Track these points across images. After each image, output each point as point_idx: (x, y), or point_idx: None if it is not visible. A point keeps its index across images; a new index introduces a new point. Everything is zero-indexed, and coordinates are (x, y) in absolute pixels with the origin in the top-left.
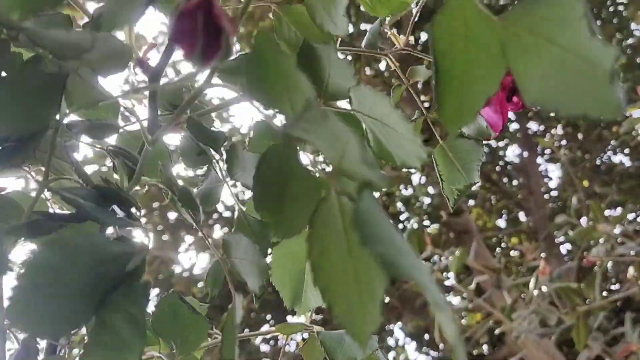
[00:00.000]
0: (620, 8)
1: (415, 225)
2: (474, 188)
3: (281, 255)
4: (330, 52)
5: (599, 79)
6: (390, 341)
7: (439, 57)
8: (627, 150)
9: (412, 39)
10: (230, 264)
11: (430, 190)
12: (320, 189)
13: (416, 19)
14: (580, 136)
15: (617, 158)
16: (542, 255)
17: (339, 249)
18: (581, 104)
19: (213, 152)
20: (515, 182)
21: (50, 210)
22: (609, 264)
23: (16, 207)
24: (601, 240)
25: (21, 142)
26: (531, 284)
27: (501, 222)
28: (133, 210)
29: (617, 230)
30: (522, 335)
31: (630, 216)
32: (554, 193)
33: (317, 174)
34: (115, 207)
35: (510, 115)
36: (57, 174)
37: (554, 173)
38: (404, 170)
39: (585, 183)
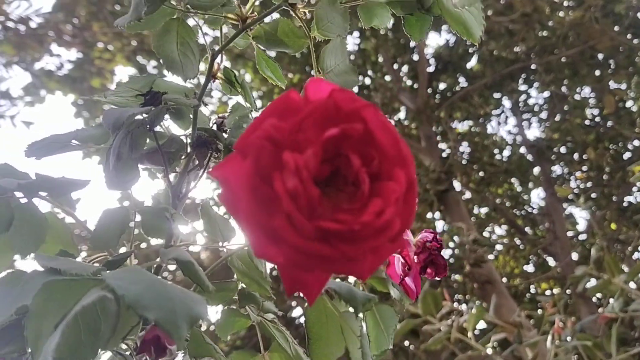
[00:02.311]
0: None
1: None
2: (499, 233)
3: None
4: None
5: None
6: None
7: (310, 328)
8: None
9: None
10: None
11: (452, 243)
12: None
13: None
14: (605, 177)
15: None
16: (566, 304)
17: None
18: None
19: None
20: (541, 227)
21: None
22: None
23: None
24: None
25: None
26: (548, 342)
27: (530, 268)
28: None
29: (633, 284)
30: None
31: None
32: (583, 236)
33: None
34: None
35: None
36: None
37: (582, 216)
38: (428, 218)
39: (613, 226)
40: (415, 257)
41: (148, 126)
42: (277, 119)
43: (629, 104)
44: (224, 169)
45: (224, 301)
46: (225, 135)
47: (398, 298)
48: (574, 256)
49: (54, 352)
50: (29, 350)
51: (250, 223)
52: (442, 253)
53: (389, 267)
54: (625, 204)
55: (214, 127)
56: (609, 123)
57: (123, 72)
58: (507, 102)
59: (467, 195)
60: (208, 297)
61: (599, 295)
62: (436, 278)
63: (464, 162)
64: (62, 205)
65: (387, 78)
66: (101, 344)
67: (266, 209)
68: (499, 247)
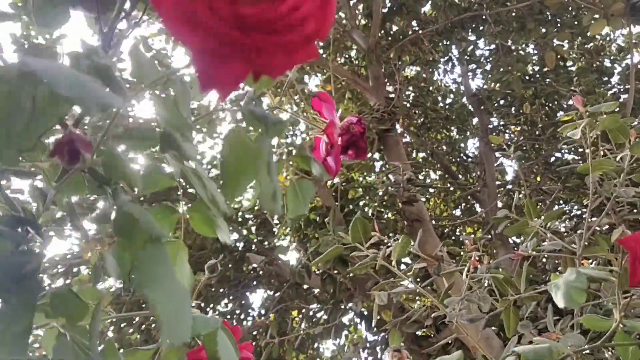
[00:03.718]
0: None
1: (371, 212)
2: (433, 177)
3: None
4: None
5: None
6: (344, 320)
7: (224, 160)
8: (573, 150)
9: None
10: None
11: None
12: None
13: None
14: (537, 133)
15: (571, 156)
16: (486, 245)
17: None
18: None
19: None
20: (473, 175)
21: None
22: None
23: None
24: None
25: None
26: (464, 274)
27: (458, 212)
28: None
29: (549, 226)
30: (454, 320)
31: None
32: (509, 187)
33: None
34: (28, 228)
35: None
36: None
37: (510, 165)
38: (368, 158)
39: (538, 178)
40: (339, 138)
41: None
42: None
43: (568, 63)
44: None
45: (146, 147)
46: None
47: (319, 174)
48: (499, 204)
49: None
50: None
51: (172, 10)
52: (364, 137)
53: (314, 151)
54: (552, 159)
55: None
56: (548, 80)
57: None
58: (455, 51)
59: (407, 139)
60: (129, 143)
61: (517, 240)
62: (356, 159)
63: (408, 105)
64: None
65: (342, 14)
66: (13, 135)
67: None
68: (432, 190)
